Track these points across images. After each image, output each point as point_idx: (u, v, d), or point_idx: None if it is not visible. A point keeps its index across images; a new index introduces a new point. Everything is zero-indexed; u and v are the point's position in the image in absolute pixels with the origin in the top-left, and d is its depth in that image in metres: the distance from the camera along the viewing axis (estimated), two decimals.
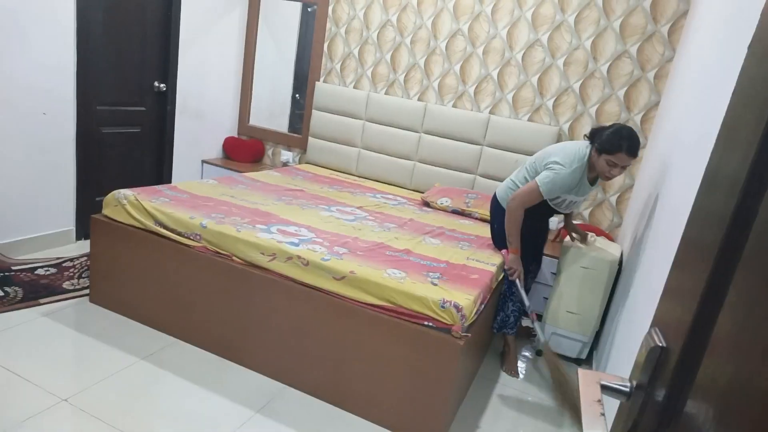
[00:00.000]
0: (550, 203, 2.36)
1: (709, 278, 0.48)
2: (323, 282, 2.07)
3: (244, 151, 4.23)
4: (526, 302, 2.44)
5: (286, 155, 4.30)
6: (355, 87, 3.99)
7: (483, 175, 3.58)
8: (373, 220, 2.81)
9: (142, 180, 3.52)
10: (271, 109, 4.58)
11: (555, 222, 3.35)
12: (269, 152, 4.40)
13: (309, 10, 4.17)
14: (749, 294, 0.40)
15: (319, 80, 4.07)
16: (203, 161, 4.06)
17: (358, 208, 3.04)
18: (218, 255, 2.24)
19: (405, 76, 3.82)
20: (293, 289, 2.12)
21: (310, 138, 4.08)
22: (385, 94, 3.89)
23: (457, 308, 1.89)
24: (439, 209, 3.34)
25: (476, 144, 3.57)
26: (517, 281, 2.40)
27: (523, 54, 3.45)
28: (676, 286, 0.56)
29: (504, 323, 2.59)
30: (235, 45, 4.16)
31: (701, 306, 0.48)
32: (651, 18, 3.10)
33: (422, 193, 3.63)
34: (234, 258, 2.22)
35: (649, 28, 3.12)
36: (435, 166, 3.71)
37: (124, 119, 3.38)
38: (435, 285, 2.02)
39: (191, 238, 2.29)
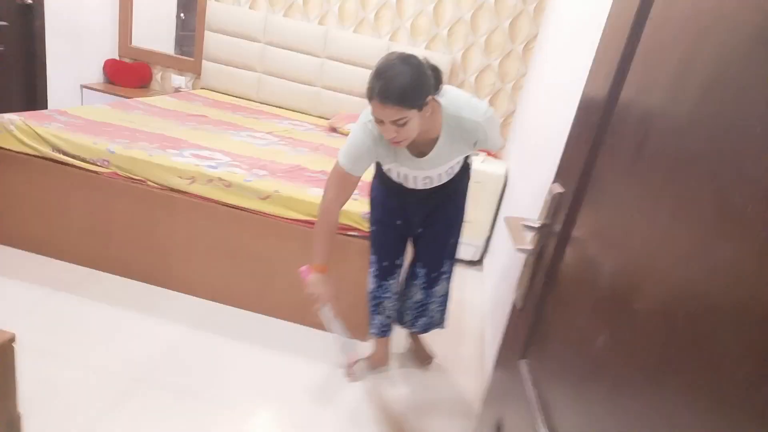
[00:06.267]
0: (390, 177, 1.75)
1: (589, 149, 0.73)
2: (247, 202, 2.17)
3: (129, 75, 3.91)
4: (345, 336, 1.75)
5: (178, 80, 4.06)
6: (250, 8, 3.83)
7: None
8: (285, 145, 2.89)
9: (12, 106, 3.13)
10: (156, 30, 4.22)
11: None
12: (157, 77, 4.11)
13: None
14: (610, 159, 0.64)
15: None
16: (83, 86, 3.69)
17: (268, 133, 3.07)
18: (131, 180, 2.20)
19: None
20: (217, 210, 2.18)
21: (204, 62, 3.88)
22: (284, 16, 3.80)
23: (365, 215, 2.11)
24: (345, 134, 3.48)
25: None
26: (326, 310, 1.70)
27: None
28: (569, 158, 0.81)
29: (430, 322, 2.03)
30: None
31: (582, 170, 0.73)
32: None
33: (327, 119, 3.72)
34: (149, 183, 2.19)
35: None
36: (339, 92, 3.79)
37: None
38: (356, 200, 2.21)
39: (98, 164, 2.20)
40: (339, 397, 1.90)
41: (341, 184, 1.64)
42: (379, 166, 1.80)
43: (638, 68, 0.67)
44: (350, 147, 1.59)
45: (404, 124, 1.35)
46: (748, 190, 0.41)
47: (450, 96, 1.50)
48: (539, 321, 0.81)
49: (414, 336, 2.18)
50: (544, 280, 0.80)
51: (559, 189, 0.78)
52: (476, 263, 3.24)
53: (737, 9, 0.48)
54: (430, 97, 1.38)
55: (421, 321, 2.04)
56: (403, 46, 3.65)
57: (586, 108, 0.81)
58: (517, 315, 0.88)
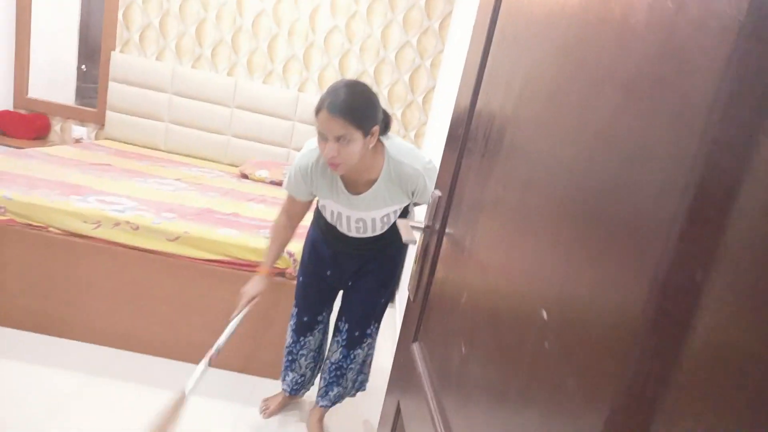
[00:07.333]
0: (324, 216, 1.72)
1: (457, 156, 0.90)
2: (156, 244, 2.14)
3: (25, 126, 3.72)
4: (223, 340, 1.62)
5: (79, 131, 3.92)
6: (157, 59, 3.86)
7: (297, 149, 3.89)
8: (194, 190, 2.89)
9: None
10: (54, 81, 4.09)
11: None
12: (56, 128, 3.94)
13: None
14: (468, 161, 0.81)
15: (115, 50, 3.81)
16: None
17: (177, 180, 3.05)
18: (30, 227, 2.09)
19: (212, 51, 3.86)
20: (123, 253, 2.13)
21: (108, 112, 3.80)
22: (192, 68, 3.87)
23: (290, 254, 2.18)
24: (257, 181, 3.54)
25: (288, 119, 3.85)
26: (237, 318, 1.67)
27: (325, 37, 3.84)
28: (444, 167, 0.98)
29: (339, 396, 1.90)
30: (4, 7, 3.59)
31: (453, 174, 0.89)
32: (426, 14, 3.80)
33: (237, 166, 3.77)
34: (51, 229, 2.10)
35: (425, 23, 3.82)
36: (249, 140, 3.87)
37: None
38: (267, 238, 2.27)
39: None
40: None
41: (288, 207, 1.71)
42: (317, 210, 1.80)
43: (486, 84, 0.86)
44: (292, 171, 1.60)
45: (347, 144, 1.33)
46: (547, 173, 0.57)
47: (394, 142, 1.53)
48: (426, 306, 0.94)
49: (315, 416, 1.95)
50: (429, 271, 0.93)
51: (438, 193, 0.93)
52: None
53: (541, 39, 0.67)
54: (376, 128, 1.39)
55: (334, 392, 1.87)
56: (312, 96, 3.85)
57: (455, 123, 0.98)
58: (410, 306, 1.00)
